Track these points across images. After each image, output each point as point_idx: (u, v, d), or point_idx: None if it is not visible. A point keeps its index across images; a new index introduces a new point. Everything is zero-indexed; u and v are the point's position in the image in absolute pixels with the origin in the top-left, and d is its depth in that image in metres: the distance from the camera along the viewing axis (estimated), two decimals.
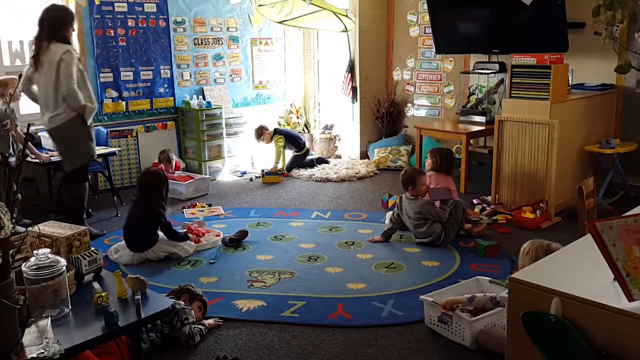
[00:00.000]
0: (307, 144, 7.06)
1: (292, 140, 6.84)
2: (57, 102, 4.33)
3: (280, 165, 6.70)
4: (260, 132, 6.79)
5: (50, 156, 5.01)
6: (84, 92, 4.35)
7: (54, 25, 4.31)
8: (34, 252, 2.02)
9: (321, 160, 7.01)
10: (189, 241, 4.34)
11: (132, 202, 4.51)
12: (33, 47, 4.39)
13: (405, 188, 4.53)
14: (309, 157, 6.96)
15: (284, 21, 6.97)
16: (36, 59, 4.34)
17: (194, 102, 6.52)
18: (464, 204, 4.59)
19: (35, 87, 4.46)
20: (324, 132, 7.56)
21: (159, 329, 3.01)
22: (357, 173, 6.57)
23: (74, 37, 5.74)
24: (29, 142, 4.40)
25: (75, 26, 4.58)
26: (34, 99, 4.54)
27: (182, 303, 3.15)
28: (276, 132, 6.85)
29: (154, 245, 4.18)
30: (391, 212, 4.70)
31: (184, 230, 4.51)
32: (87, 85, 4.42)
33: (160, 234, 4.26)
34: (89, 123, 4.44)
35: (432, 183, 4.64)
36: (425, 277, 3.82)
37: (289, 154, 6.90)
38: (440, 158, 4.77)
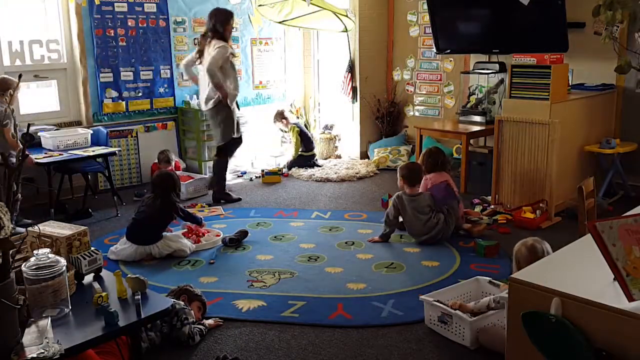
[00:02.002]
0: (316, 150, 7.11)
1: (304, 138, 6.93)
2: (209, 89, 5.25)
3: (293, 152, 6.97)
4: (282, 117, 7.01)
5: (48, 155, 5.02)
6: (230, 80, 5.24)
7: (215, 25, 5.21)
8: (34, 252, 2.02)
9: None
10: (189, 242, 4.36)
11: (143, 200, 4.52)
12: (199, 41, 5.45)
13: (416, 181, 4.47)
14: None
15: (284, 21, 6.96)
16: (201, 53, 5.30)
17: (194, 102, 6.51)
18: (458, 197, 4.63)
19: (193, 70, 5.50)
20: (324, 132, 7.56)
21: (158, 329, 3.01)
22: (357, 173, 6.56)
23: (74, 36, 5.82)
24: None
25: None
26: (191, 78, 5.71)
27: (182, 303, 3.15)
28: (294, 124, 7.05)
29: (158, 241, 4.22)
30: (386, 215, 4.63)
31: (184, 231, 4.54)
32: (234, 75, 5.32)
33: (165, 232, 4.32)
34: (231, 107, 5.34)
35: (430, 183, 4.63)
36: (425, 277, 3.82)
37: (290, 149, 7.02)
38: (429, 157, 4.77)
